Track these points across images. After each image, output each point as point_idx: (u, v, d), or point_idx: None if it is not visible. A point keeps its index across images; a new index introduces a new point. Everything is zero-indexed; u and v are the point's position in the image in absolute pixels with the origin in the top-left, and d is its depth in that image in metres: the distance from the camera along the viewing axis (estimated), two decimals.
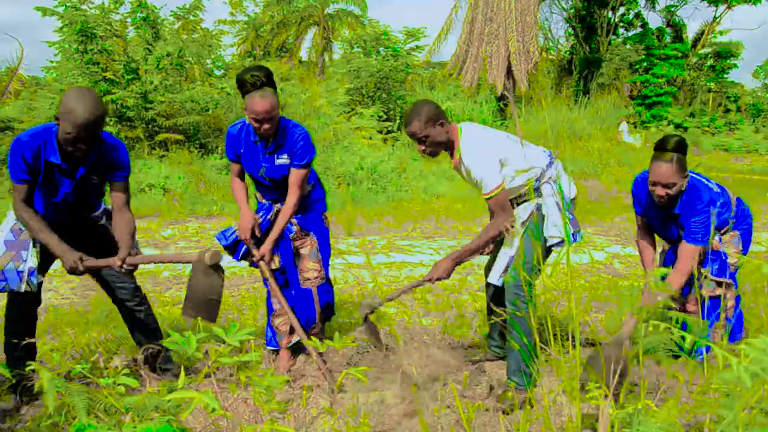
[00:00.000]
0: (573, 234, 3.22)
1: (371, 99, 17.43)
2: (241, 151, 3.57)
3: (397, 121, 17.17)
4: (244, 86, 3.31)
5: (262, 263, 3.53)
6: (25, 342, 3.01)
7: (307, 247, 3.70)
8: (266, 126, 3.34)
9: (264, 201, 3.74)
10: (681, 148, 3.21)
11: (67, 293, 5.74)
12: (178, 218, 9.86)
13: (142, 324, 3.49)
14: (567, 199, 3.21)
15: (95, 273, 3.30)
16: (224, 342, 2.07)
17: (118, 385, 2.09)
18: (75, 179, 3.01)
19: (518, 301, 3.09)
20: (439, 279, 3.21)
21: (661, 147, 3.23)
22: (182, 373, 1.98)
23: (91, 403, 1.98)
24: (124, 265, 3.03)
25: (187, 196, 11.26)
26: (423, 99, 3.63)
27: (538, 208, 3.20)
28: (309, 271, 3.71)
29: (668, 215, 3.47)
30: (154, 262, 3.39)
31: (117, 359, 3.99)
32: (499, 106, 19.00)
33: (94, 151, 2.98)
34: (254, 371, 3.56)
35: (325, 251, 3.79)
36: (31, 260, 3.00)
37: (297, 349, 3.88)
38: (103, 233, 3.28)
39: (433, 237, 8.85)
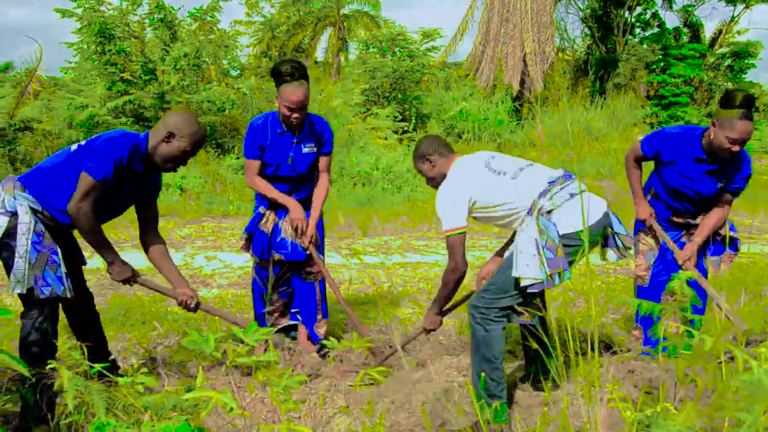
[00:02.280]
0: (552, 276, 2.83)
1: (387, 99, 17.41)
2: (267, 142, 3.69)
3: (413, 121, 17.15)
4: (280, 76, 3.49)
5: (312, 248, 3.76)
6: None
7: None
8: (296, 115, 3.53)
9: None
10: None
11: None
12: (195, 218, 9.92)
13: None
14: (557, 234, 2.86)
15: None
16: (242, 342, 2.08)
17: (137, 384, 2.11)
18: None
19: (482, 321, 2.94)
20: (433, 330, 3.49)
21: (746, 104, 3.24)
22: (200, 372, 1.99)
23: (109, 402, 2.00)
24: None
25: (204, 195, 11.31)
26: (428, 135, 3.69)
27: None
28: (312, 266, 3.88)
29: (710, 170, 3.51)
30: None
31: (134, 358, 4.03)
32: (515, 107, 18.93)
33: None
34: (272, 371, 3.58)
35: (322, 246, 4.00)
36: (63, 264, 2.99)
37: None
38: None
39: (444, 238, 8.83)
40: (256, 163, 3.72)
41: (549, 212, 2.91)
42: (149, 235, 3.32)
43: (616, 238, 3.10)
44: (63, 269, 2.97)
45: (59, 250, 2.98)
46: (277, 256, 3.81)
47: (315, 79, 17.99)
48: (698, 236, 3.65)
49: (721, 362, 2.33)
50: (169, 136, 2.99)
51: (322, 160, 3.86)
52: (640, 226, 3.87)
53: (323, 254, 4.01)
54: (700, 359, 2.63)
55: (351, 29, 27.53)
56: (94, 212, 2.91)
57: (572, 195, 2.95)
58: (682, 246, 3.74)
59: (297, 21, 27.48)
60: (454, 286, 3.19)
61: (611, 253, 3.13)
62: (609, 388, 2.07)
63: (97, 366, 2.24)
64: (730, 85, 26.29)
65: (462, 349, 4.11)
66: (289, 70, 3.47)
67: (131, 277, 3.18)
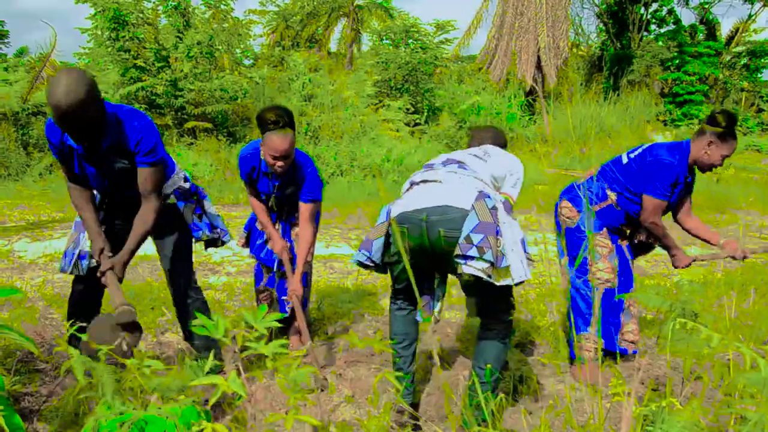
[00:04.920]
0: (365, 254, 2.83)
1: (399, 91, 17.39)
2: (254, 176, 3.70)
3: (425, 113, 17.12)
4: (265, 123, 3.37)
5: (295, 301, 3.58)
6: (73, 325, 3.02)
7: None
8: (280, 164, 3.44)
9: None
10: None
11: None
12: None
13: None
14: (384, 216, 2.81)
15: None
16: (252, 327, 2.09)
17: (145, 366, 2.12)
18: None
19: None
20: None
21: (734, 124, 3.41)
22: (210, 357, 2.00)
23: (117, 384, 2.01)
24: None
25: (215, 183, 11.34)
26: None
27: None
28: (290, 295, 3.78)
29: (688, 182, 3.67)
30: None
31: (142, 342, 4.06)
32: (528, 101, 18.87)
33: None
34: (281, 359, 3.59)
35: (305, 299, 3.98)
36: (84, 244, 3.07)
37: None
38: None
39: None
40: (249, 187, 3.79)
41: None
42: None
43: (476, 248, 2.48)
44: (82, 248, 3.08)
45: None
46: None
47: (328, 69, 17.98)
48: (718, 238, 3.76)
49: (729, 360, 2.32)
50: None
51: (305, 208, 3.65)
52: (599, 230, 3.64)
53: (307, 305, 4.01)
54: (707, 356, 2.62)
55: (364, 20, 27.47)
56: (77, 186, 2.94)
57: (417, 183, 2.87)
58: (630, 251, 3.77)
59: (311, 11, 27.46)
60: None
61: (465, 267, 2.48)
62: (613, 383, 2.07)
63: (104, 348, 2.26)
64: (746, 85, 26.08)
65: (468, 341, 4.12)
66: (273, 117, 3.35)
67: None
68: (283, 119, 3.37)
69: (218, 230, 3.41)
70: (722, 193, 11.75)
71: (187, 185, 3.27)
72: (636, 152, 3.62)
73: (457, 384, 3.25)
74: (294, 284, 3.60)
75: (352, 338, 2.12)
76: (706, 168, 3.50)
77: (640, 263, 6.84)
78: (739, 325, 4.07)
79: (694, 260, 3.75)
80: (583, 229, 3.63)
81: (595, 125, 17.95)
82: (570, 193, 3.74)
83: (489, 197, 2.60)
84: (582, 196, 3.64)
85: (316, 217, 3.79)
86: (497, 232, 2.48)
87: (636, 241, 3.75)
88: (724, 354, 3.47)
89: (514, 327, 4.05)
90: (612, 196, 3.62)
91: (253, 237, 3.98)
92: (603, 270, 3.59)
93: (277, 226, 3.85)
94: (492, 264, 2.43)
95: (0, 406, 1.34)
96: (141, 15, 13.72)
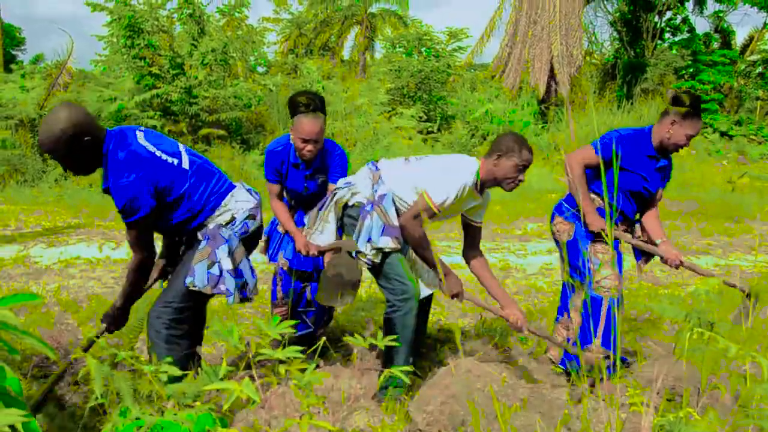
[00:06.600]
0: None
1: (412, 99, 17.41)
2: (283, 171, 3.67)
3: (438, 122, 17.12)
4: (296, 107, 3.40)
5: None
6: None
7: None
8: (310, 147, 3.45)
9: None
10: None
11: (110, 282, 5.85)
12: None
13: None
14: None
15: None
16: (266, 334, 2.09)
17: (161, 372, 2.13)
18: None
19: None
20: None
21: (699, 104, 3.49)
22: (224, 363, 2.01)
23: (134, 389, 2.03)
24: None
25: None
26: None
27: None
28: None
29: (659, 167, 3.68)
30: None
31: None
32: (541, 110, 18.83)
33: None
34: (295, 365, 3.60)
35: None
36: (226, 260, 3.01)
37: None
38: None
39: None
40: (276, 187, 3.74)
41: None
42: None
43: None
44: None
45: None
46: (282, 261, 3.81)
47: (341, 77, 18.03)
48: (663, 236, 3.73)
49: (745, 370, 2.31)
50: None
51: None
52: (591, 238, 3.63)
53: (330, 321, 4.06)
54: (724, 367, 2.60)
55: (377, 28, 27.56)
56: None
57: None
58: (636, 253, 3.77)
59: (324, 19, 27.59)
60: None
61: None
62: (630, 392, 2.06)
63: (121, 354, 2.27)
64: (761, 93, 25.91)
65: (482, 350, 4.11)
66: (305, 101, 3.40)
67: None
68: (315, 103, 3.42)
69: (219, 287, 2.89)
70: (736, 202, 11.66)
71: (219, 228, 2.95)
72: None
73: (472, 392, 3.24)
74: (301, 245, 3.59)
75: (358, 341, 2.12)
76: (672, 148, 3.55)
77: (655, 273, 6.81)
78: (756, 335, 4.03)
79: (618, 237, 3.71)
80: (581, 237, 3.63)
81: None
82: (558, 209, 3.79)
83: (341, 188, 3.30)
84: (570, 208, 3.68)
85: None
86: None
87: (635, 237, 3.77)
88: (740, 365, 3.44)
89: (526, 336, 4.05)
90: (598, 199, 3.65)
91: (271, 243, 3.91)
92: (607, 278, 3.57)
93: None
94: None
95: (19, 410, 1.35)
96: (156, 23, 13.81)
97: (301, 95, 3.44)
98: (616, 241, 3.70)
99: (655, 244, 3.70)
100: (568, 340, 3.67)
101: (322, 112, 3.46)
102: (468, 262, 3.58)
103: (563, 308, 3.80)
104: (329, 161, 3.67)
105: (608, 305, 3.52)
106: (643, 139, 3.62)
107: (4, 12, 67.35)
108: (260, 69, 18.26)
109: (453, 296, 3.33)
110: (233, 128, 14.24)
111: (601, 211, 3.60)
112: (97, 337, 2.97)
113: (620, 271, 3.64)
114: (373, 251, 3.17)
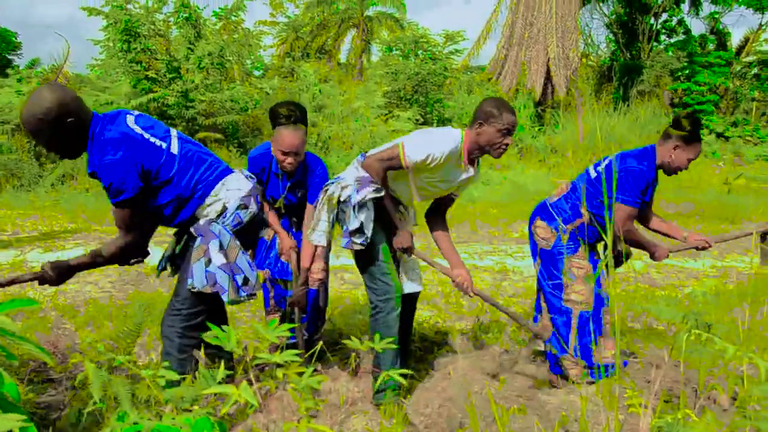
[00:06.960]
0: None
1: (408, 102, 17.42)
2: (264, 178, 3.64)
3: (434, 124, 17.13)
4: (277, 118, 3.34)
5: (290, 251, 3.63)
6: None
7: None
8: (290, 160, 3.40)
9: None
10: None
11: (107, 287, 5.85)
12: None
13: None
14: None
15: None
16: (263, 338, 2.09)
17: (159, 377, 2.13)
18: None
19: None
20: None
21: (698, 129, 3.48)
22: (221, 367, 2.01)
23: (132, 394, 2.02)
24: None
25: None
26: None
27: None
28: (319, 272, 3.74)
29: (654, 187, 3.70)
30: None
31: (153, 353, 4.07)
32: (537, 112, 18.86)
33: None
34: (293, 369, 3.59)
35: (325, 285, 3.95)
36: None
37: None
38: None
39: (467, 241, 8.82)
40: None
41: None
42: None
43: None
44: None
45: None
46: (264, 273, 3.75)
47: (338, 80, 18.04)
48: (681, 231, 3.97)
49: (743, 372, 2.31)
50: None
51: (311, 210, 3.55)
52: (574, 252, 3.61)
53: (323, 324, 4.01)
54: (721, 368, 2.61)
55: (374, 31, 27.58)
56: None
57: None
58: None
59: (321, 22, 27.61)
60: None
61: None
62: (628, 394, 2.06)
63: (119, 358, 2.27)
64: (757, 94, 25.96)
65: (480, 353, 4.11)
66: (286, 112, 3.32)
67: None
68: (296, 114, 3.34)
69: (217, 285, 2.81)
70: (733, 204, 11.67)
71: (210, 223, 2.90)
72: (603, 164, 3.63)
73: (470, 394, 3.24)
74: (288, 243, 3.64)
75: (355, 343, 2.12)
76: (672, 171, 3.56)
77: (652, 275, 6.82)
78: (753, 336, 4.04)
79: (670, 251, 3.82)
80: (559, 251, 3.61)
81: (605, 136, 17.89)
82: (543, 212, 3.71)
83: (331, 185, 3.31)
84: (555, 217, 3.64)
85: None
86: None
87: (615, 253, 3.73)
88: (737, 366, 3.44)
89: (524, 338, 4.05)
90: (586, 214, 3.61)
91: (259, 250, 3.87)
92: (578, 292, 3.56)
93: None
94: None
95: (17, 415, 1.35)
96: (152, 27, 13.82)
97: (281, 106, 3.36)
98: (591, 253, 3.69)
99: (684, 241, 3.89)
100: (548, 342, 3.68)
101: (303, 124, 3.38)
102: (429, 224, 3.65)
103: (538, 307, 3.83)
104: (310, 179, 3.61)
105: (586, 317, 3.53)
106: (651, 167, 3.54)
107: (0, 16, 67.28)
108: (257, 72, 18.26)
109: (403, 250, 3.29)
110: (230, 132, 14.24)
111: (590, 229, 3.61)
112: (24, 282, 2.89)
113: (598, 281, 3.62)
114: (359, 235, 3.16)
